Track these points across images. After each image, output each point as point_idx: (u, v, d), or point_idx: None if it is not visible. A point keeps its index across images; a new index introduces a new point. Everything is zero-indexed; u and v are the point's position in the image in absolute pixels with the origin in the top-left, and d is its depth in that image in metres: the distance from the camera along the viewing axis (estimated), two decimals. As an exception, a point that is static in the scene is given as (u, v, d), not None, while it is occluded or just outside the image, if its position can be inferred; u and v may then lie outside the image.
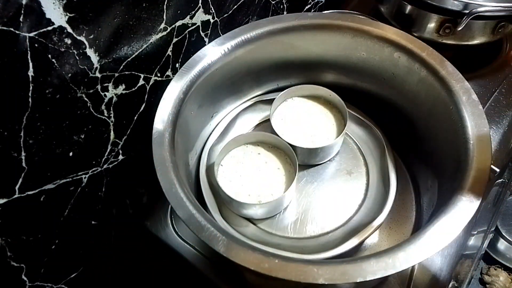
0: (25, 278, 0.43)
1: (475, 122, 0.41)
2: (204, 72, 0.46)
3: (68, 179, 0.42)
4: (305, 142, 0.51)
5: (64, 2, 0.33)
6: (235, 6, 0.57)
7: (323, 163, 0.53)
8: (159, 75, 0.49)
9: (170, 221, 0.53)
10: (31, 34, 0.32)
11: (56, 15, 0.33)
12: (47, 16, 0.32)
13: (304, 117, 0.54)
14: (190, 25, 0.50)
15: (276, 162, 0.49)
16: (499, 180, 0.67)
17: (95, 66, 0.39)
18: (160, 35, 0.46)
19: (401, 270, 0.32)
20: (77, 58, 0.37)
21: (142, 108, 0.49)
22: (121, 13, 0.39)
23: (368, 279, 0.32)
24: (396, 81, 0.51)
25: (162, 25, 0.45)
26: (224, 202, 0.47)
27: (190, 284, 0.56)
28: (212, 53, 0.47)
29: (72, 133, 0.40)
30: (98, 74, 0.40)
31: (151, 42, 0.45)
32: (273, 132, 0.50)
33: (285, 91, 0.54)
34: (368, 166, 0.52)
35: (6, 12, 0.29)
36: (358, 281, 0.32)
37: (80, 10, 0.35)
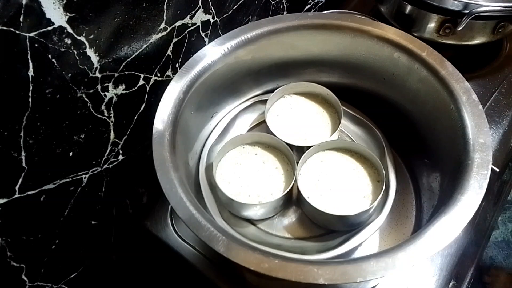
0: (25, 278, 0.43)
1: (475, 122, 0.41)
2: (204, 72, 0.46)
3: (68, 179, 0.42)
4: (298, 140, 0.51)
5: (64, 2, 0.33)
6: (235, 6, 0.57)
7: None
8: (159, 75, 0.49)
9: (170, 221, 0.53)
10: (31, 34, 0.32)
11: (56, 15, 0.33)
12: (47, 16, 0.32)
13: (299, 115, 0.54)
14: (190, 25, 0.50)
15: (273, 162, 0.49)
16: (499, 180, 0.67)
17: (95, 66, 0.39)
18: (160, 35, 0.46)
19: (401, 270, 0.32)
20: (77, 58, 0.37)
21: (142, 108, 0.49)
22: (121, 13, 0.39)
23: (368, 279, 0.32)
24: (396, 81, 0.51)
25: (162, 25, 0.45)
26: (224, 204, 0.47)
27: (190, 284, 0.56)
28: (212, 53, 0.47)
29: (72, 133, 0.40)
30: (98, 74, 0.40)
31: (151, 42, 0.45)
32: (269, 130, 0.50)
33: (281, 87, 0.54)
34: (368, 166, 0.52)
35: (6, 12, 0.29)
36: (358, 281, 0.32)
37: (80, 10, 0.35)
